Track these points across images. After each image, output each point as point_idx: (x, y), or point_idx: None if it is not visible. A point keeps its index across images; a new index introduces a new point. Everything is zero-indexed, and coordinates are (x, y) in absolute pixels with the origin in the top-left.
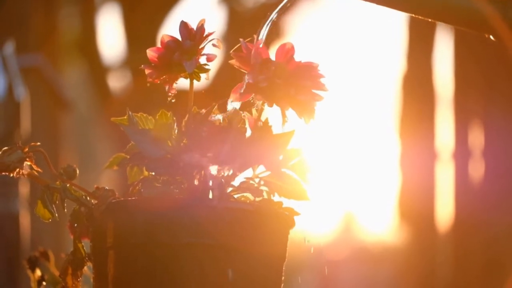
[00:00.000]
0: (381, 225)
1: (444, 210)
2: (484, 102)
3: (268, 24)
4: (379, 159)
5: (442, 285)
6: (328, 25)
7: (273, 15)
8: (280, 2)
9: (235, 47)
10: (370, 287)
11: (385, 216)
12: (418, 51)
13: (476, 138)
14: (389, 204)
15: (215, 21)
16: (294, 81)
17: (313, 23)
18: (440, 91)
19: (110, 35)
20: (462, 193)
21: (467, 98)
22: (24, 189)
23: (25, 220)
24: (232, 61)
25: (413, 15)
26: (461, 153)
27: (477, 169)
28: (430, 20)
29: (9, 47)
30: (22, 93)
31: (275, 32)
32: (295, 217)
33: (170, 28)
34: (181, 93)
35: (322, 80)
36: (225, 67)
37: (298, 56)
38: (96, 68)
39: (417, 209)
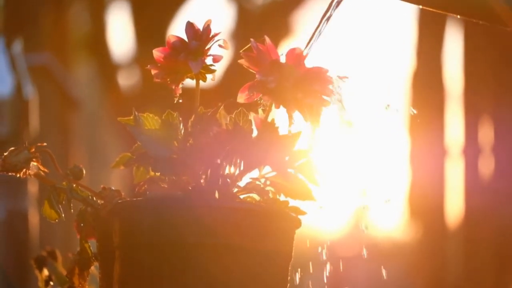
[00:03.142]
0: (391, 221)
1: (454, 207)
2: (494, 98)
3: (318, 35)
4: (389, 155)
5: (452, 281)
6: (337, 22)
7: (322, 26)
8: None
9: (245, 47)
10: (381, 284)
11: (395, 213)
12: (428, 47)
13: (486, 134)
14: (399, 200)
15: (225, 18)
16: (303, 85)
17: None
18: (450, 88)
19: (119, 33)
20: (472, 189)
21: (477, 94)
22: (33, 188)
23: (34, 219)
24: (241, 61)
25: (424, 7)
26: (471, 149)
27: (487, 165)
28: (440, 12)
29: (18, 46)
30: (30, 92)
31: (283, 30)
32: (301, 217)
33: (179, 26)
34: (188, 92)
35: (330, 85)
36: (234, 66)
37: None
38: (105, 66)
39: (427, 206)
